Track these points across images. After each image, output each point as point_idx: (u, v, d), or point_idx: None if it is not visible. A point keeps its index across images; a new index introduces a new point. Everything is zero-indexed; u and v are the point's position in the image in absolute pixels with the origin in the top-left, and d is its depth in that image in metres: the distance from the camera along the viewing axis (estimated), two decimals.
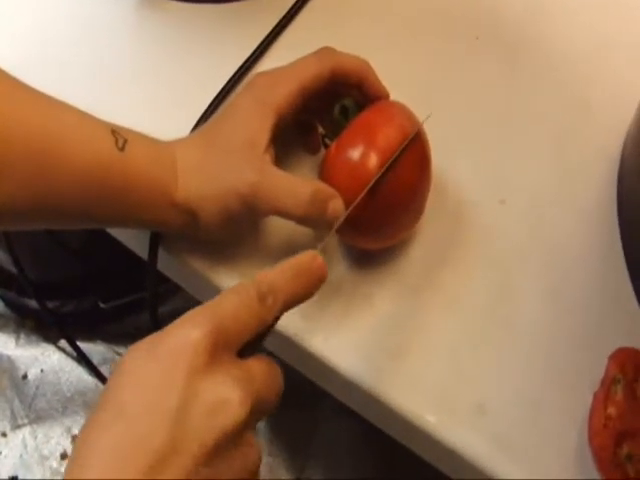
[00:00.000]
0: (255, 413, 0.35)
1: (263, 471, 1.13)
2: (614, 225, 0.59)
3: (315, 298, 0.49)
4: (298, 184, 0.47)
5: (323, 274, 0.41)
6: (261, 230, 0.56)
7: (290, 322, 0.43)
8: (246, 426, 0.34)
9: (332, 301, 0.54)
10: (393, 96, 0.55)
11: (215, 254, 0.54)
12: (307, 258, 0.40)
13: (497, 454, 0.50)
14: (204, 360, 0.34)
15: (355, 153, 0.49)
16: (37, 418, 1.19)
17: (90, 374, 1.20)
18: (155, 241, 0.54)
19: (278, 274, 0.39)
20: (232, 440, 0.33)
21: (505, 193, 0.59)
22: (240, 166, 0.47)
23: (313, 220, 0.48)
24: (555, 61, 0.66)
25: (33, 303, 1.17)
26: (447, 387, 0.52)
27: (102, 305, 1.15)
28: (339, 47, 0.54)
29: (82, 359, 1.13)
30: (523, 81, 0.65)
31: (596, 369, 0.52)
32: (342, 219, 0.48)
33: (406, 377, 0.52)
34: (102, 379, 1.15)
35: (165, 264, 0.56)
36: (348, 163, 0.49)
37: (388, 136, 0.49)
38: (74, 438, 1.17)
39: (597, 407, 0.50)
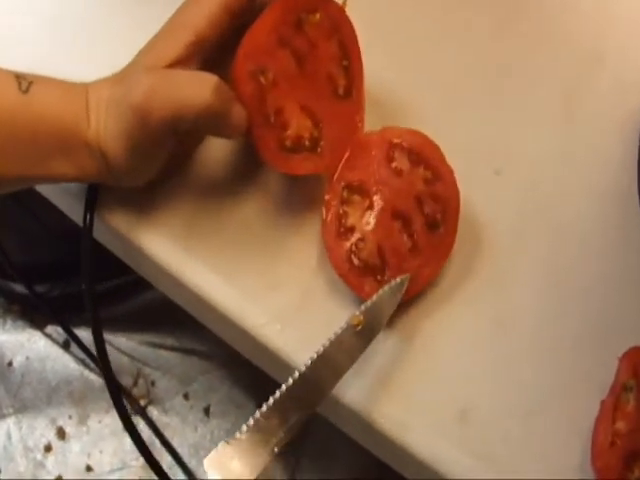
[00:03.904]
0: None
1: None
2: (632, 203, 0.54)
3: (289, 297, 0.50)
4: (202, 74, 0.46)
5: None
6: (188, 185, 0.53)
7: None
8: None
9: (307, 299, 0.50)
10: (379, 49, 0.52)
11: (146, 219, 0.52)
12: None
13: (478, 470, 0.46)
14: None
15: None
16: (22, 407, 1.17)
17: (76, 362, 1.18)
18: (91, 205, 0.52)
19: None
20: None
21: (501, 162, 0.55)
22: (134, 80, 0.46)
23: (218, 115, 0.46)
24: (562, 10, 0.62)
25: (19, 287, 1.16)
26: (423, 388, 0.48)
27: None
28: None
29: (76, 343, 1.10)
30: (526, 33, 0.61)
31: (605, 372, 0.48)
32: None
33: (372, 375, 0.48)
34: (90, 366, 1.15)
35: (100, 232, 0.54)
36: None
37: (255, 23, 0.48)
38: (59, 430, 1.15)
39: (603, 419, 0.46)
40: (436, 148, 0.50)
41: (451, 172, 0.50)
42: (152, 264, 0.51)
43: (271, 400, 0.43)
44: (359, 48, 0.50)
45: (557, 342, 0.50)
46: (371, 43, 0.50)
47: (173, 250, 0.51)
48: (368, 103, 0.51)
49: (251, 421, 0.42)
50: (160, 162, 0.49)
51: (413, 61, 0.57)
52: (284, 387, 0.43)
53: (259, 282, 0.50)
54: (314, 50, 0.49)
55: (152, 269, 0.52)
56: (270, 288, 0.49)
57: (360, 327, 0.46)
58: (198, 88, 0.45)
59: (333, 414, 0.50)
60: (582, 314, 0.51)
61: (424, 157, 0.50)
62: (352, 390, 0.47)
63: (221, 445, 0.41)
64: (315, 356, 0.44)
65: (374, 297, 0.47)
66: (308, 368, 0.44)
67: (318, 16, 0.49)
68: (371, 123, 0.52)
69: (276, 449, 0.42)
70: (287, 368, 0.48)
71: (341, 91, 0.50)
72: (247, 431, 0.42)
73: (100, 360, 0.52)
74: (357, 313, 0.46)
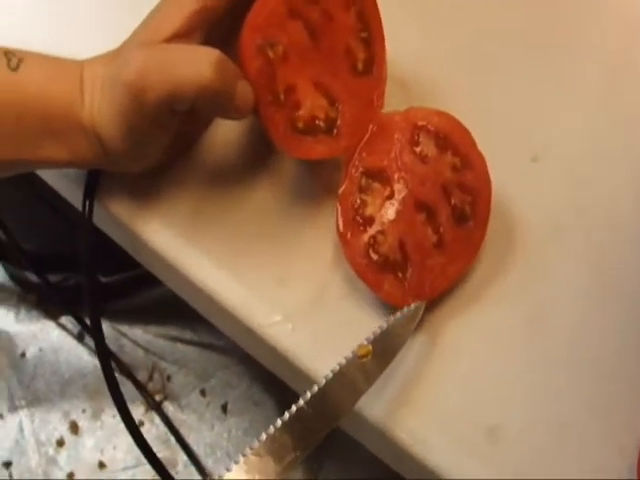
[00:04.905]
0: None
1: None
2: None
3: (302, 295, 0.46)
4: (202, 49, 0.43)
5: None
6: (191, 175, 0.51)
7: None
8: None
9: (321, 297, 0.47)
10: (403, 21, 0.51)
11: (148, 207, 0.50)
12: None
13: None
14: None
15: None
16: (35, 400, 1.16)
17: (90, 354, 1.18)
18: (91, 190, 0.51)
19: None
20: None
21: (539, 148, 0.52)
22: (128, 56, 0.43)
23: (219, 94, 0.43)
24: None
25: (35, 277, 1.15)
26: (448, 398, 0.44)
27: (103, 279, 1.11)
28: None
29: (89, 334, 1.12)
30: (565, 6, 0.58)
31: None
32: None
33: (393, 384, 0.44)
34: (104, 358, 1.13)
35: (100, 218, 0.52)
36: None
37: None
38: (72, 424, 1.15)
39: None
40: (466, 132, 0.46)
41: (482, 159, 0.46)
42: (153, 255, 0.49)
43: (264, 436, 0.38)
44: (380, 18, 0.46)
45: (599, 348, 0.46)
46: (394, 14, 0.47)
47: (176, 241, 0.48)
48: (390, 81, 0.48)
49: (241, 459, 0.38)
50: (161, 145, 0.47)
51: (442, 34, 0.54)
52: (279, 422, 0.39)
53: (269, 278, 0.46)
54: (330, 22, 0.45)
55: (153, 260, 0.50)
56: (281, 284, 0.46)
57: (368, 358, 0.41)
58: (197, 64, 0.42)
59: (350, 427, 0.47)
60: (628, 318, 0.47)
61: (452, 142, 0.46)
62: (370, 401, 0.43)
63: None
64: (315, 390, 0.40)
65: (384, 325, 0.42)
66: (306, 403, 0.39)
67: None
68: (395, 104, 0.48)
69: None
70: (299, 372, 0.45)
71: (360, 66, 0.46)
72: (236, 470, 0.37)
73: (96, 345, 0.52)
74: (365, 342, 0.41)
